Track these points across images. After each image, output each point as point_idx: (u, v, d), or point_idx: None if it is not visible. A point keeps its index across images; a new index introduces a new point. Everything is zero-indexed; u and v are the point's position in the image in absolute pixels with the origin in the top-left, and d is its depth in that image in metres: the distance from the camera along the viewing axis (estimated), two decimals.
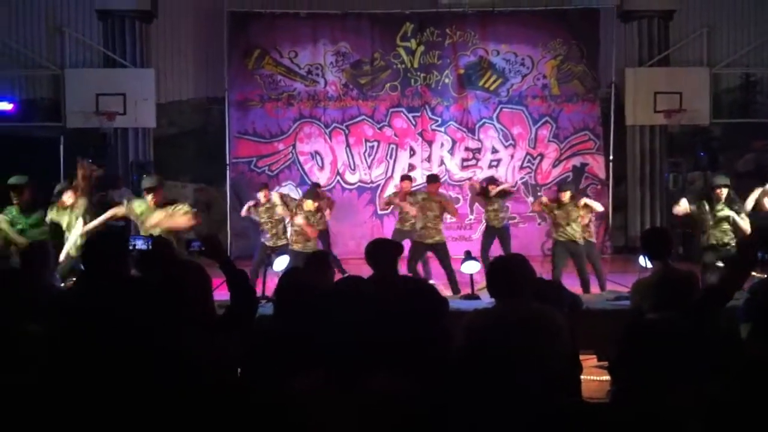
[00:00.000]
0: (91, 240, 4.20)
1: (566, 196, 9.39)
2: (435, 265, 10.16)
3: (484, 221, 11.30)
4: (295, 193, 13.86)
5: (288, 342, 3.26)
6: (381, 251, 4.82)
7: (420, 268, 10.10)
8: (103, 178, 13.19)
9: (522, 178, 14.29)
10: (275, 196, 10.13)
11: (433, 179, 10.58)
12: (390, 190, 14.15)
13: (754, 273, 4.84)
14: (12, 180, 7.94)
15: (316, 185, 11.40)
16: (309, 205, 9.67)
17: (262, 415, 2.79)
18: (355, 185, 14.19)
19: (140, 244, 4.37)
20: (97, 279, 3.77)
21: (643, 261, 6.45)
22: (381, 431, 2.66)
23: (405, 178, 11.22)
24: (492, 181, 11.41)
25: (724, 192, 8.62)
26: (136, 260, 4.46)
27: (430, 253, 10.05)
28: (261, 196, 10.18)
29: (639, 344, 3.35)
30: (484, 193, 11.05)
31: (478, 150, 14.35)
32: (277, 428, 2.72)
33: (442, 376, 2.93)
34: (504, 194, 10.99)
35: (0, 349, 3.15)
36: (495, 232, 10.84)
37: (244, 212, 10.58)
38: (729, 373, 3.65)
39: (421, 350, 3.23)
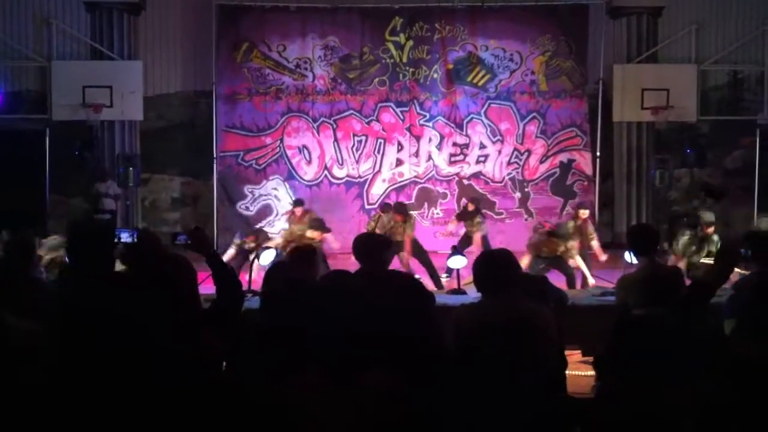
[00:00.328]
0: (76, 233, 4.16)
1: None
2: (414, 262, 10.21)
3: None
4: (284, 189, 13.88)
5: (275, 337, 3.25)
6: (369, 246, 4.81)
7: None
8: (90, 172, 13.17)
9: (509, 173, 14.32)
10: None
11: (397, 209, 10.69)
12: (378, 185, 14.17)
13: (738, 270, 4.87)
14: None
15: (299, 202, 11.20)
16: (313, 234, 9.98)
17: (252, 412, 2.78)
18: (343, 180, 14.17)
19: (126, 237, 4.35)
20: (82, 272, 3.75)
21: (629, 257, 6.47)
22: (374, 428, 2.66)
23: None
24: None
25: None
26: (121, 253, 4.44)
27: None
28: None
29: (625, 340, 3.36)
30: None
31: (466, 145, 14.36)
32: (267, 425, 2.72)
33: (433, 372, 2.94)
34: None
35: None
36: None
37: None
38: (715, 370, 3.67)
39: (409, 346, 3.23)
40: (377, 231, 10.16)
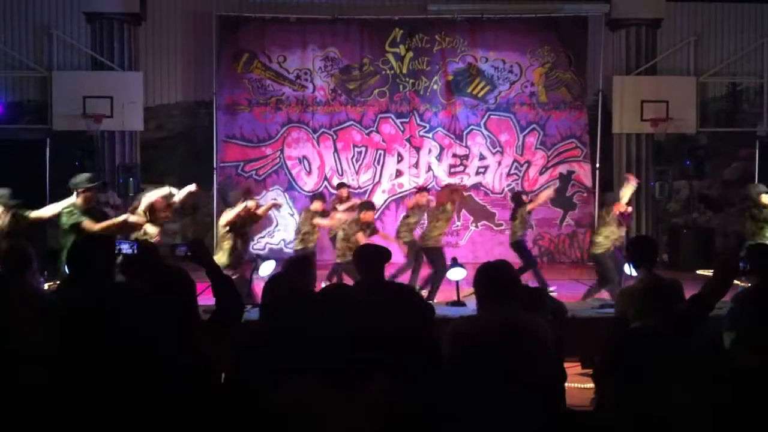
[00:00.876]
0: (77, 244, 4.17)
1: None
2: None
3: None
4: (284, 200, 13.87)
5: (274, 346, 3.25)
6: (370, 257, 4.81)
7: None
8: None
9: (509, 185, 14.34)
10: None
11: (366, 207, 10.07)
12: (377, 195, 14.17)
13: (737, 282, 4.87)
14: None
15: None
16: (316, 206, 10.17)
17: (251, 421, 2.78)
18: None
19: (126, 249, 4.35)
20: (82, 283, 3.75)
21: (629, 269, 6.48)
22: None
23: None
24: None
25: None
26: (122, 265, 4.44)
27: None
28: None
29: (624, 352, 3.36)
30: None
31: (466, 156, 14.39)
32: None
33: (431, 382, 2.93)
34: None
35: None
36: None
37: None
38: (714, 382, 3.67)
39: (408, 357, 3.23)
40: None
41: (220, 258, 8.16)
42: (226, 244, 8.39)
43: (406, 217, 10.60)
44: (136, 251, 4.37)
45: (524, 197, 11.07)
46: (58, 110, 13.30)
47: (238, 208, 8.49)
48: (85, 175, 7.86)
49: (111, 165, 13.65)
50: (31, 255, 4.86)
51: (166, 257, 4.74)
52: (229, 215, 8.45)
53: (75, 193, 7.62)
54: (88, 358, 3.12)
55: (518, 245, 10.58)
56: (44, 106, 13.80)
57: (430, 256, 9.88)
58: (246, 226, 8.79)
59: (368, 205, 9.96)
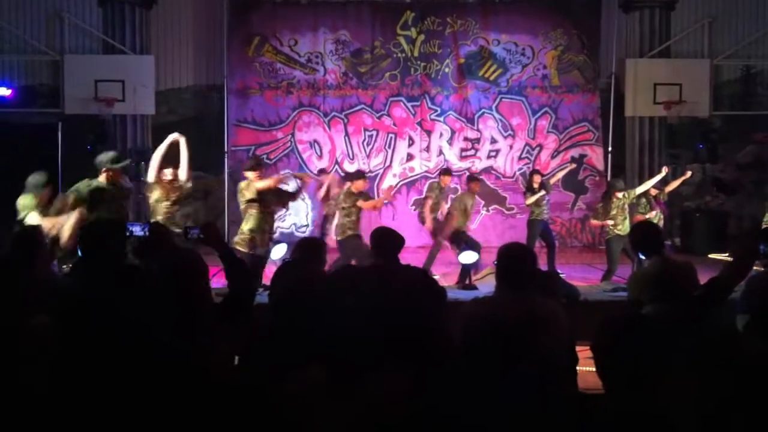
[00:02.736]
0: (89, 226, 4.18)
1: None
2: None
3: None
4: (294, 184, 13.85)
5: (283, 334, 3.25)
6: (382, 239, 4.78)
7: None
8: None
9: (520, 168, 14.29)
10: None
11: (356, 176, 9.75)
12: (388, 179, 14.15)
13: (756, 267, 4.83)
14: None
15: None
16: None
17: (259, 408, 2.79)
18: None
19: (138, 231, 4.35)
20: (94, 266, 3.76)
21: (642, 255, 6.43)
22: (380, 427, 2.65)
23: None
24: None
25: None
26: (133, 247, 4.45)
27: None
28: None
29: (635, 336, 3.34)
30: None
31: (477, 140, 14.34)
32: (273, 422, 2.72)
33: (442, 369, 2.92)
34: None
35: (6, 342, 3.14)
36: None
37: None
38: (727, 367, 3.65)
39: (419, 343, 3.22)
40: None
41: (249, 224, 8.12)
42: (253, 211, 8.22)
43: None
44: (147, 233, 4.37)
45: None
46: (70, 94, 13.31)
47: (269, 180, 8.43)
48: (109, 155, 7.82)
49: (123, 149, 13.65)
50: (42, 239, 4.86)
51: (178, 240, 4.75)
52: (261, 183, 8.30)
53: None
54: (99, 341, 3.13)
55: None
56: (56, 90, 13.82)
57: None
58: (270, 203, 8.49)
59: (357, 175, 9.66)
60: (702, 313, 3.63)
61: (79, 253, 3.91)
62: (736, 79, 15.01)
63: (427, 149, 14.30)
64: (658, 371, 2.95)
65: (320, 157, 14.21)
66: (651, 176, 14.38)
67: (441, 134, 14.32)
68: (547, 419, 2.61)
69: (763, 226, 8.98)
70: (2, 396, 2.95)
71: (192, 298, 3.22)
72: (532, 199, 10.47)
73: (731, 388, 3.25)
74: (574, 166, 11.85)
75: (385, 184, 14.02)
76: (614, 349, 3.06)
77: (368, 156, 14.24)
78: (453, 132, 14.30)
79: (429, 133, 14.29)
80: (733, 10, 14.81)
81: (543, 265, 9.45)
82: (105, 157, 7.71)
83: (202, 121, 14.56)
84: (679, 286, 4.39)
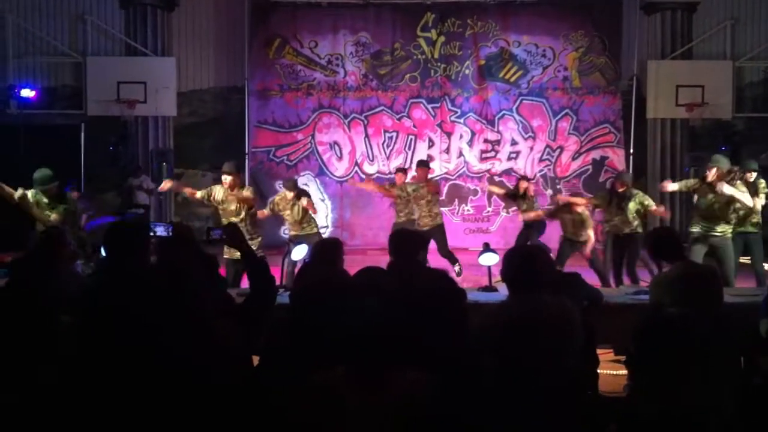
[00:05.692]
0: (113, 227, 4.21)
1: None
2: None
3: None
4: (315, 185, 13.90)
5: (304, 334, 3.25)
6: (401, 242, 4.78)
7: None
8: (124, 167, 13.31)
9: (541, 170, 14.25)
10: None
11: (421, 164, 10.56)
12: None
13: None
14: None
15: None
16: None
17: (279, 408, 2.79)
18: (374, 176, 14.16)
19: (161, 231, 4.39)
20: (118, 267, 3.79)
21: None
22: (401, 427, 2.65)
23: (399, 170, 10.96)
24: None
25: None
26: (156, 246, 4.47)
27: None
28: None
29: (657, 340, 3.33)
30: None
31: (498, 142, 14.31)
32: (294, 422, 2.73)
33: (461, 372, 2.92)
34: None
35: (28, 341, 3.17)
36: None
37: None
38: (748, 371, 3.62)
39: (438, 346, 3.21)
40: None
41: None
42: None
43: None
44: (171, 233, 4.40)
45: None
46: (93, 96, 13.44)
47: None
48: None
49: (144, 150, 13.79)
50: (68, 239, 4.91)
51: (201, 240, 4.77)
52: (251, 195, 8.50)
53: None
54: (117, 344, 3.14)
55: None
56: (79, 92, 13.95)
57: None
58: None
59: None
60: (724, 317, 3.61)
61: (103, 253, 3.94)
62: (758, 80, 14.89)
63: (447, 151, 14.28)
64: (684, 373, 2.94)
65: (340, 158, 14.24)
66: (672, 179, 14.31)
67: (461, 136, 14.30)
68: (565, 422, 2.61)
69: None
70: (22, 395, 2.99)
71: (211, 297, 3.23)
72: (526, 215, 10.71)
73: (755, 388, 3.24)
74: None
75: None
76: (650, 349, 3.04)
77: (388, 158, 14.25)
78: (473, 134, 14.28)
79: (449, 134, 14.28)
80: (755, 12, 14.69)
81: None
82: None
83: (223, 123, 14.65)
84: (701, 290, 4.35)
